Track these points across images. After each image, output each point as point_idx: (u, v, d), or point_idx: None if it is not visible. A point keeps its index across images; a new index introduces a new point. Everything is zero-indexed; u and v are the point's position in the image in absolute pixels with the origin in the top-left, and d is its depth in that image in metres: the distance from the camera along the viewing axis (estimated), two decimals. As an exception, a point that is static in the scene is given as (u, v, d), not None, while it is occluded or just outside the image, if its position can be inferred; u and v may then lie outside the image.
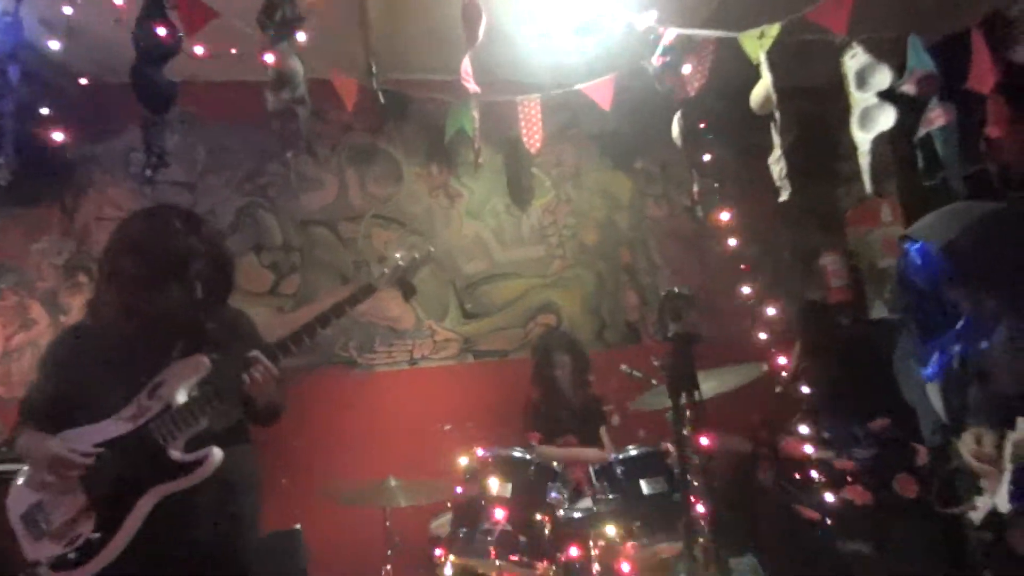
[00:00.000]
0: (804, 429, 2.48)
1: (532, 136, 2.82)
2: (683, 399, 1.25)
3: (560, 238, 3.32)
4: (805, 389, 2.53)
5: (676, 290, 1.35)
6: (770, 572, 2.42)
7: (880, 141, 1.92)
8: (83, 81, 2.64)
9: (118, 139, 2.85)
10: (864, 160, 1.96)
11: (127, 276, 1.33)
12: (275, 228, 3.07)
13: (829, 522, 2.37)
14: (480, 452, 2.10)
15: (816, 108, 2.96)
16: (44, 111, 2.20)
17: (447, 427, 2.86)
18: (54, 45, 2.23)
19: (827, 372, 2.77)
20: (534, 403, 2.71)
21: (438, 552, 2.09)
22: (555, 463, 2.07)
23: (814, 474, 2.44)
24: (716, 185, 2.50)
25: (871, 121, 1.90)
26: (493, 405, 2.96)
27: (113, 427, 1.29)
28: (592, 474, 2.06)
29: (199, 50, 2.19)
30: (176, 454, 1.28)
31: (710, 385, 2.02)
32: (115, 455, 1.27)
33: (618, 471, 2.02)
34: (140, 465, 1.26)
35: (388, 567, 2.18)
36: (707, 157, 2.32)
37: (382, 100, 2.21)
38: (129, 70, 1.89)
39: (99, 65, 2.60)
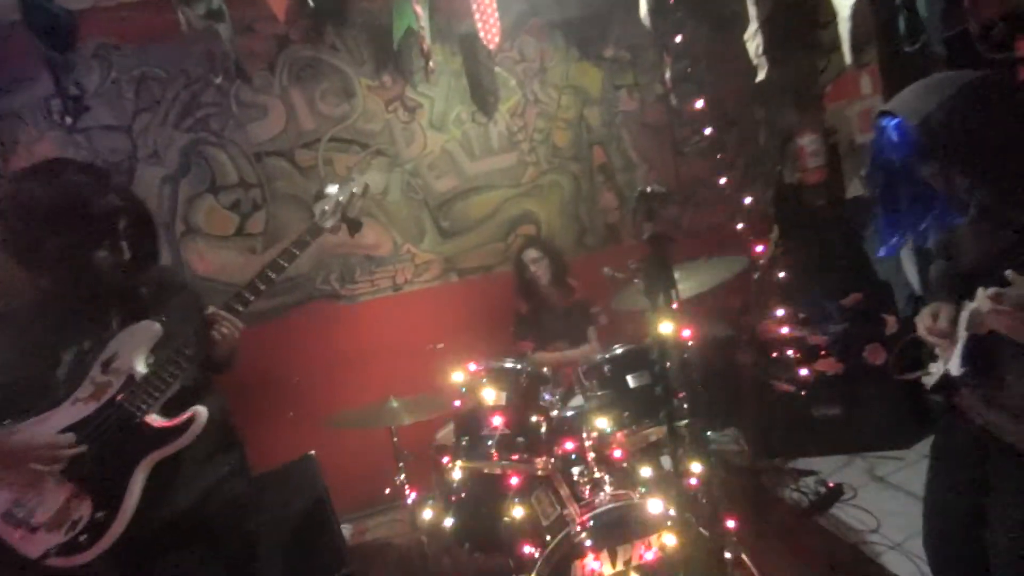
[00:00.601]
0: (780, 311, 2.57)
1: (489, 30, 2.57)
2: (661, 300, 1.26)
3: (531, 143, 3.16)
4: (782, 273, 2.59)
5: (649, 189, 1.30)
6: (751, 441, 2.65)
7: (861, 5, 1.77)
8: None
9: (36, 86, 2.53)
10: (844, 27, 1.82)
11: (46, 248, 1.20)
12: (228, 165, 2.88)
13: (803, 393, 2.55)
14: (472, 366, 2.16)
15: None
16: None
17: (440, 346, 2.93)
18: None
19: (803, 254, 2.83)
20: (522, 314, 2.76)
21: (445, 459, 2.23)
22: (545, 369, 2.14)
23: (789, 352, 2.59)
24: (689, 69, 2.33)
25: (852, -19, 1.74)
26: (482, 320, 3.01)
27: (73, 410, 1.24)
28: (581, 374, 2.15)
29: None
30: (158, 420, 1.27)
31: (693, 283, 2.04)
32: (89, 436, 1.23)
33: (605, 369, 2.10)
34: (122, 440, 1.25)
35: (401, 477, 2.33)
36: (679, 37, 2.14)
37: (311, 3, 1.94)
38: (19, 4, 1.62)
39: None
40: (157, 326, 1.30)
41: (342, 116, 2.95)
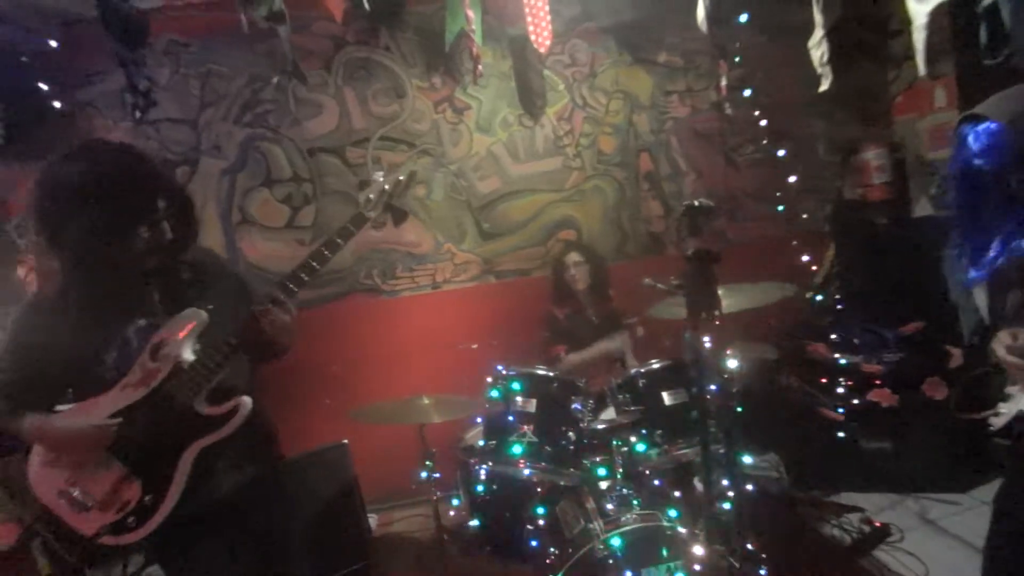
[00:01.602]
0: (833, 335, 2.44)
1: (540, 33, 2.56)
2: (703, 318, 1.21)
3: (577, 148, 3.13)
4: (836, 295, 2.45)
5: (696, 203, 1.25)
6: (791, 469, 2.51)
7: (938, 13, 1.64)
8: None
9: (110, 80, 2.72)
10: (919, 36, 1.69)
11: (86, 229, 1.19)
12: (283, 159, 3.00)
13: (852, 423, 2.40)
14: (503, 370, 2.16)
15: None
16: (24, 59, 2.07)
17: (474, 346, 2.94)
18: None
19: (861, 275, 2.67)
20: (556, 318, 2.73)
21: (473, 461, 2.23)
22: (578, 380, 2.11)
23: (840, 379, 2.44)
24: (746, 77, 2.22)
25: (928, -10, 1.61)
26: (517, 322, 3.00)
27: (123, 395, 1.28)
28: (615, 387, 2.11)
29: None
30: (205, 408, 1.30)
31: (735, 301, 1.96)
32: (138, 421, 1.27)
33: (640, 383, 2.05)
34: (171, 425, 1.28)
35: (427, 474, 2.36)
36: (737, 44, 2.05)
37: (367, 6, 1.98)
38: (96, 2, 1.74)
39: (74, 2, 2.43)
40: (204, 314, 1.31)
41: (392, 116, 3.01)
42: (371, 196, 1.42)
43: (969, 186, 1.09)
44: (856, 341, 2.48)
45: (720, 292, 1.97)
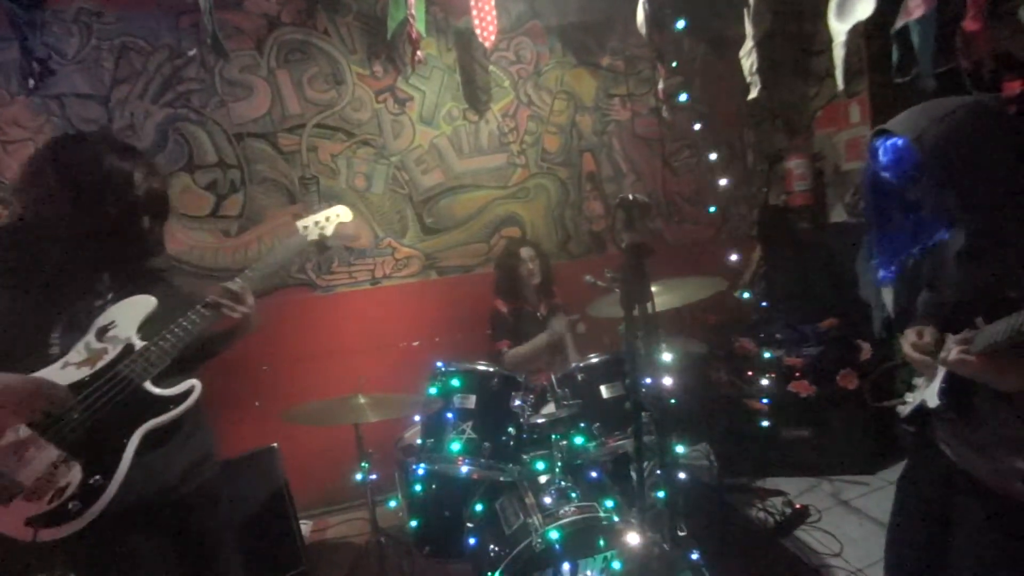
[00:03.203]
0: (758, 330, 2.58)
1: (486, 28, 2.54)
2: (635, 310, 1.23)
3: (521, 145, 3.14)
4: (762, 294, 2.60)
5: (631, 196, 1.27)
6: (721, 457, 2.64)
7: (855, 34, 1.78)
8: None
9: (9, 50, 2.42)
10: (839, 52, 1.82)
11: (67, 210, 1.22)
12: (207, 143, 2.79)
13: (774, 413, 2.56)
14: (442, 366, 2.11)
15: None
16: None
17: (415, 343, 2.87)
18: None
19: (783, 275, 2.85)
20: (500, 313, 2.71)
21: (410, 460, 2.17)
22: (518, 375, 2.10)
23: (765, 372, 2.59)
24: (682, 80, 2.32)
25: (849, 9, 1.75)
26: (460, 320, 2.97)
27: (64, 373, 1.22)
28: (555, 381, 2.11)
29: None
30: (156, 390, 1.30)
31: (670, 297, 2.03)
32: (81, 401, 1.21)
33: (579, 377, 2.07)
34: (119, 406, 1.24)
35: (364, 475, 2.27)
36: (673, 49, 2.12)
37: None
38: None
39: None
40: (153, 299, 1.35)
41: (330, 103, 2.88)
42: (307, 226, 1.66)
43: (878, 195, 1.18)
44: (779, 336, 2.64)
45: (654, 287, 2.05)
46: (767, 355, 2.63)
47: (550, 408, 2.16)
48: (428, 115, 3.00)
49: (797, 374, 2.57)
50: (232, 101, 2.77)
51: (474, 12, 2.51)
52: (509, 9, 2.86)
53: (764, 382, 2.62)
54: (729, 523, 2.34)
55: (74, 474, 1.20)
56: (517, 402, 2.07)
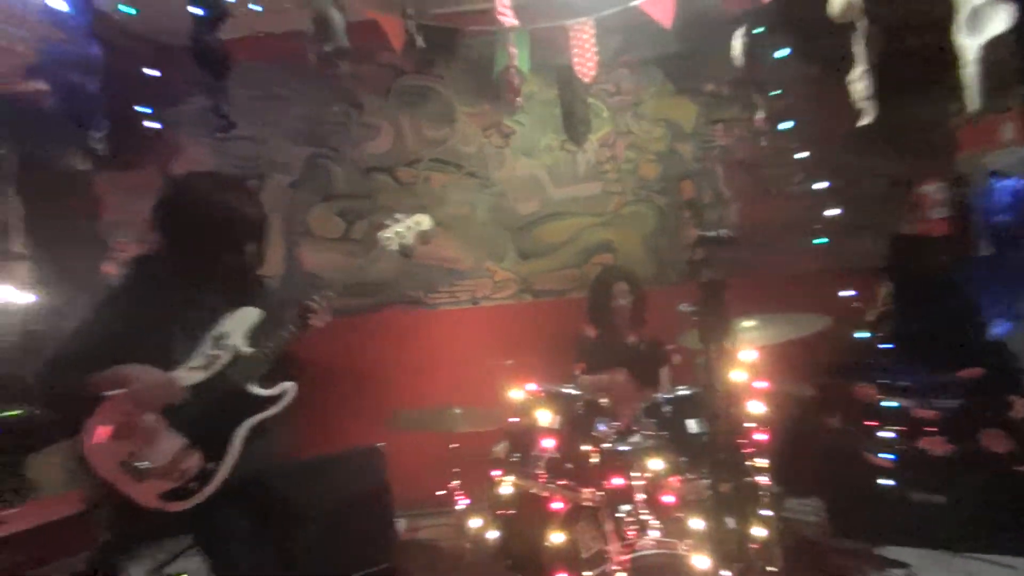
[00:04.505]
0: (880, 376, 2.31)
1: (585, 64, 2.67)
2: (713, 348, 1.23)
3: (618, 173, 3.19)
4: (887, 334, 2.33)
5: (711, 234, 1.29)
6: (833, 515, 2.38)
7: (993, 48, 1.59)
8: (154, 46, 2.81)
9: (194, 100, 3.09)
10: (971, 71, 1.65)
11: (212, 238, 1.50)
12: (340, 177, 3.24)
13: (901, 471, 2.25)
14: (531, 387, 2.21)
15: (913, 9, 2.47)
16: (128, 85, 2.40)
17: (508, 362, 3.01)
18: (128, 11, 2.39)
19: (917, 314, 2.53)
20: (587, 338, 2.74)
21: (496, 472, 2.29)
22: (603, 400, 2.13)
23: (888, 423, 2.30)
24: (785, 105, 2.21)
25: (980, 24, 1.58)
26: (551, 342, 3.04)
27: (187, 377, 1.48)
28: (641, 412, 2.11)
29: (256, 7, 2.27)
30: (258, 390, 1.52)
31: (769, 333, 1.94)
32: (202, 398, 1.47)
33: (665, 410, 2.05)
34: (230, 403, 1.48)
35: (455, 483, 2.43)
36: (773, 77, 2.06)
37: (420, 43, 2.17)
38: (189, 36, 2.01)
39: (166, 30, 2.78)
40: (257, 311, 1.57)
41: (442, 139, 3.20)
42: (389, 236, 1.75)
43: (994, 241, 1.07)
44: (905, 384, 2.33)
45: (751, 323, 1.97)
46: (891, 404, 2.33)
47: (636, 437, 2.16)
48: (528, 147, 3.19)
49: (930, 429, 2.24)
50: (362, 140, 3.20)
51: (574, 50, 2.65)
52: (608, 44, 2.95)
53: (887, 435, 2.32)
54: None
55: (194, 460, 1.45)
56: (601, 427, 2.10)
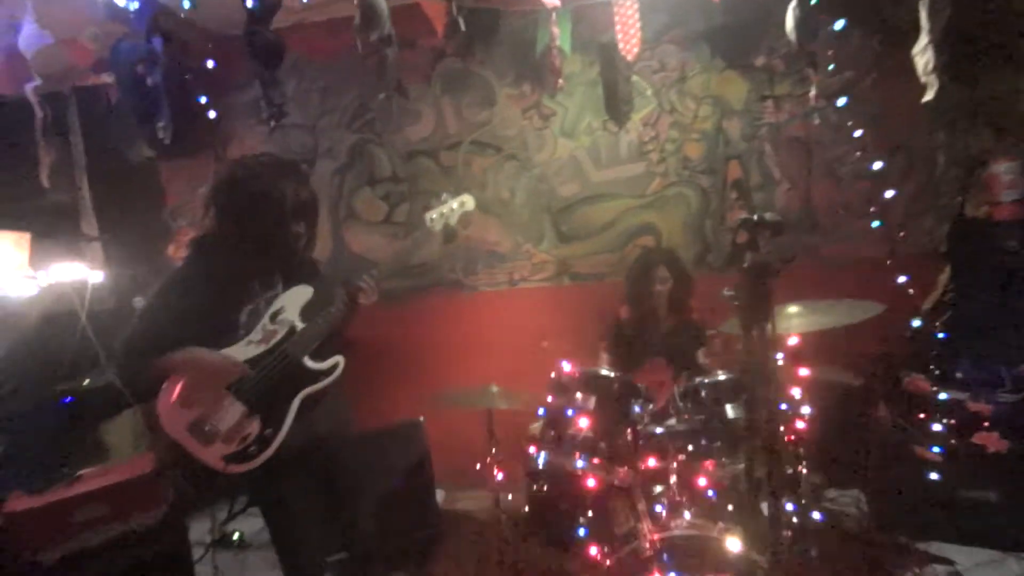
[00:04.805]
0: (934, 366, 2.20)
1: (629, 41, 2.60)
2: (754, 333, 1.22)
3: (662, 153, 3.11)
4: (944, 324, 2.21)
5: (756, 217, 1.26)
6: (874, 508, 2.32)
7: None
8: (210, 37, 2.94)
9: (249, 89, 3.19)
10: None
11: (267, 218, 1.57)
12: (384, 161, 3.32)
13: (951, 466, 2.15)
14: (567, 367, 2.25)
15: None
16: (188, 76, 2.54)
17: (544, 344, 3.05)
18: (186, 4, 2.51)
19: (979, 303, 2.38)
20: (621, 323, 2.70)
21: (532, 449, 2.35)
22: (639, 385, 2.13)
23: (940, 416, 2.20)
24: (843, 80, 2.07)
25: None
26: (588, 325, 3.06)
27: (248, 350, 1.59)
28: (677, 394, 2.11)
29: (306, -1, 2.34)
30: (312, 363, 1.62)
31: (815, 319, 1.88)
32: (259, 370, 1.58)
33: (703, 394, 2.04)
34: (286, 375, 1.59)
35: (492, 458, 2.51)
36: (830, 52, 1.94)
37: (462, 27, 2.18)
38: (243, 29, 2.10)
39: (222, 20, 2.90)
40: (311, 289, 1.66)
41: (483, 122, 3.22)
42: (434, 216, 1.78)
43: None
44: (961, 376, 2.21)
45: (796, 308, 1.92)
46: (944, 396, 2.23)
47: (672, 421, 2.17)
48: (569, 128, 3.15)
49: (985, 424, 2.13)
50: (405, 125, 3.26)
51: (617, 27, 2.58)
52: (653, 20, 2.86)
53: (938, 428, 2.22)
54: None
55: (254, 426, 1.55)
56: (636, 409, 2.12)
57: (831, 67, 2.32)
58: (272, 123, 2.35)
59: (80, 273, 2.58)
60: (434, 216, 1.78)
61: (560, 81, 2.44)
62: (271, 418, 1.58)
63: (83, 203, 2.90)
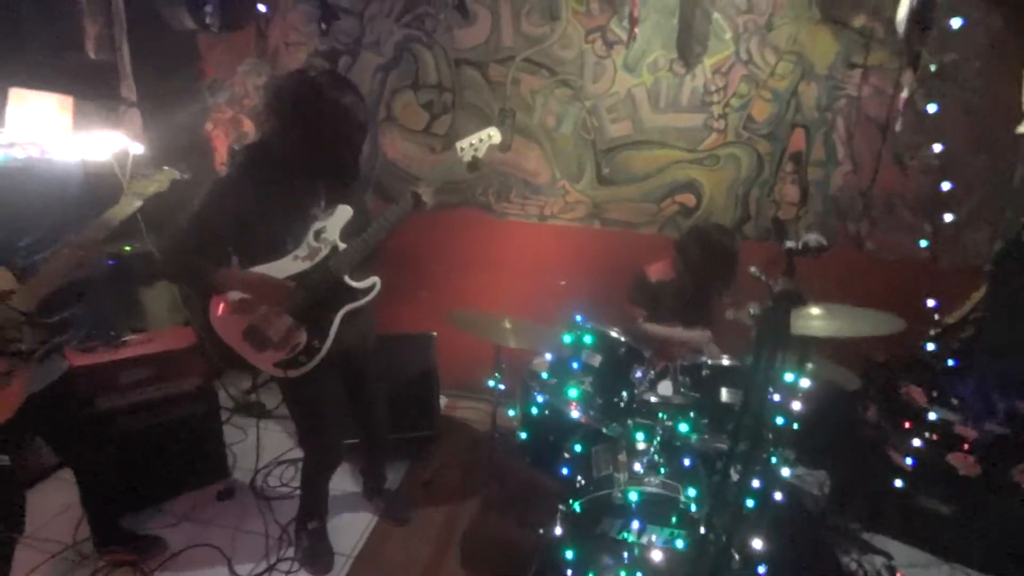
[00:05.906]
0: (932, 385, 2.24)
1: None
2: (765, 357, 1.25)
3: (725, 108, 2.89)
4: (958, 344, 2.21)
5: (801, 244, 1.23)
6: (837, 493, 2.47)
7: None
8: None
9: None
10: None
11: (297, 134, 1.56)
12: (431, 66, 3.13)
13: (917, 477, 2.27)
14: (580, 319, 2.32)
15: None
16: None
17: (562, 283, 3.10)
18: None
19: (1007, 332, 2.35)
20: (645, 279, 2.63)
21: (534, 387, 2.51)
22: (646, 350, 2.21)
23: (925, 431, 2.27)
24: (935, 68, 1.83)
25: None
26: (611, 273, 3.07)
27: (294, 265, 1.68)
28: (678, 368, 2.19)
29: None
30: (352, 282, 1.75)
31: (833, 324, 1.89)
32: (305, 285, 1.69)
33: (703, 373, 2.12)
34: (330, 291, 1.71)
35: (492, 384, 2.70)
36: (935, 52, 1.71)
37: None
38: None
39: None
40: (351, 209, 1.74)
41: (541, 38, 2.96)
42: (464, 147, 1.86)
43: None
44: (957, 400, 2.26)
45: (818, 311, 1.92)
46: (934, 416, 2.29)
47: (667, 390, 2.28)
48: (633, 62, 2.90)
49: (965, 447, 2.21)
50: (457, 27, 3.01)
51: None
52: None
53: (916, 442, 2.31)
54: (815, 559, 2.28)
55: (302, 336, 1.71)
56: (638, 374, 2.23)
57: (932, 68, 2.03)
58: (324, 26, 2.22)
59: (121, 143, 2.60)
60: (464, 147, 1.87)
61: (636, 31, 2.20)
62: (317, 329, 1.72)
63: (123, 65, 2.82)
